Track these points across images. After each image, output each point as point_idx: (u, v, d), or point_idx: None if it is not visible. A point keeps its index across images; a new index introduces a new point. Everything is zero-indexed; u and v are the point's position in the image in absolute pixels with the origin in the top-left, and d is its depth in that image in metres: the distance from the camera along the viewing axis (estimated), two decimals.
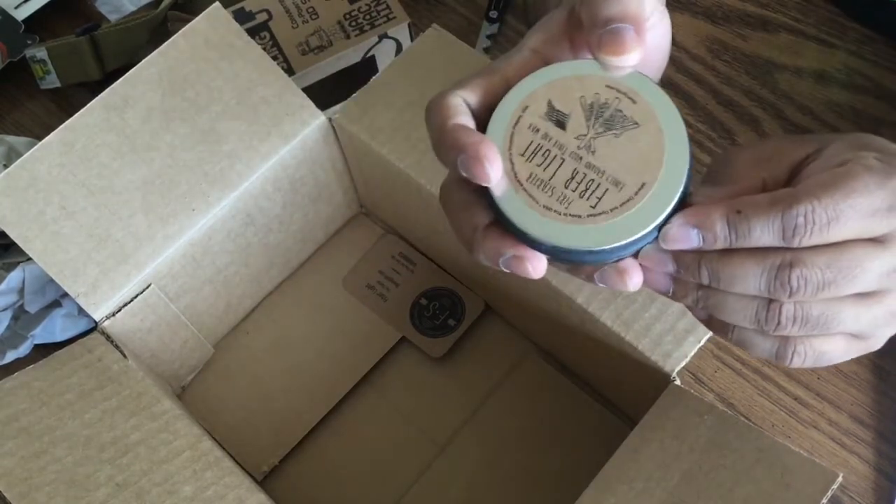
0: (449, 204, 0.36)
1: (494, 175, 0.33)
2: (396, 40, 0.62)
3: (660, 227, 0.32)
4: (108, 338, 0.47)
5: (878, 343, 0.35)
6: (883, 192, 0.31)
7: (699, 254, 0.32)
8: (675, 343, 0.44)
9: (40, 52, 0.65)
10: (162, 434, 0.42)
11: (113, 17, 0.69)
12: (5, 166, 0.53)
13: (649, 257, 0.33)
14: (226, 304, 0.55)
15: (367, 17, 0.61)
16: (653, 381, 0.45)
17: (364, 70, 0.62)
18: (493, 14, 0.67)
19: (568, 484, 0.46)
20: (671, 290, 0.34)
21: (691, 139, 0.34)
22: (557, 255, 0.33)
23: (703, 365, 0.56)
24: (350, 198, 0.59)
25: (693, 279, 0.33)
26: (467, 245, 0.35)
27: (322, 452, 0.54)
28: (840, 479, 0.37)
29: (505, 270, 0.34)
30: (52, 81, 0.66)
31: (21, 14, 0.68)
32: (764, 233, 0.31)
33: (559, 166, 0.33)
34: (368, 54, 0.62)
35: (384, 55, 0.62)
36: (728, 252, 0.32)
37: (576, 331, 0.48)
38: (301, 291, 0.59)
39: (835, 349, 0.34)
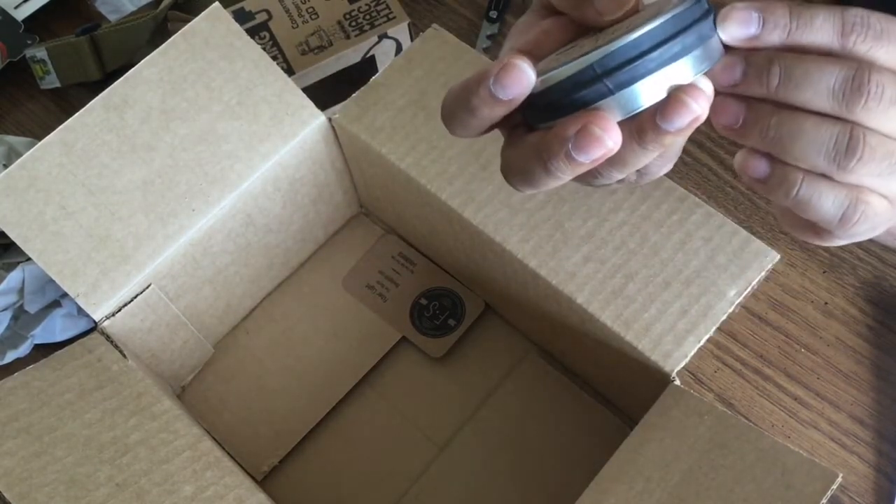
0: (512, 158, 0.35)
1: (530, 74, 0.31)
2: (396, 40, 0.62)
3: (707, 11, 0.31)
4: (107, 338, 0.47)
5: None
6: None
7: (772, 52, 0.31)
8: (675, 343, 0.44)
9: (40, 52, 0.65)
10: (162, 434, 0.42)
11: (113, 17, 0.69)
12: (5, 166, 0.53)
13: (719, 63, 0.32)
14: (226, 304, 0.55)
15: (367, 17, 0.61)
16: (653, 381, 0.45)
17: (364, 70, 0.62)
18: (493, 14, 0.68)
19: (568, 484, 0.47)
20: (741, 120, 0.32)
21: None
22: (616, 81, 0.30)
23: (703, 365, 0.56)
24: (350, 198, 0.59)
25: (763, 84, 0.32)
26: (544, 168, 0.33)
27: (322, 452, 0.54)
28: (840, 479, 0.37)
29: (582, 161, 0.31)
30: (52, 81, 0.66)
31: (21, 14, 0.68)
32: (825, 24, 0.30)
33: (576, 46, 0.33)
34: (368, 54, 0.62)
35: (384, 55, 0.62)
36: (799, 53, 0.31)
37: (576, 331, 0.48)
38: (301, 291, 0.59)
39: (884, 212, 0.33)
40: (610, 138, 0.31)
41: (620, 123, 0.31)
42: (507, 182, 0.36)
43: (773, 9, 0.31)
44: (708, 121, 0.32)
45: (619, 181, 0.36)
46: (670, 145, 0.32)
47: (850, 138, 0.31)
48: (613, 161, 0.33)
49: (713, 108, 0.32)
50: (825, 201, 0.33)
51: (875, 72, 0.31)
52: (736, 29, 0.31)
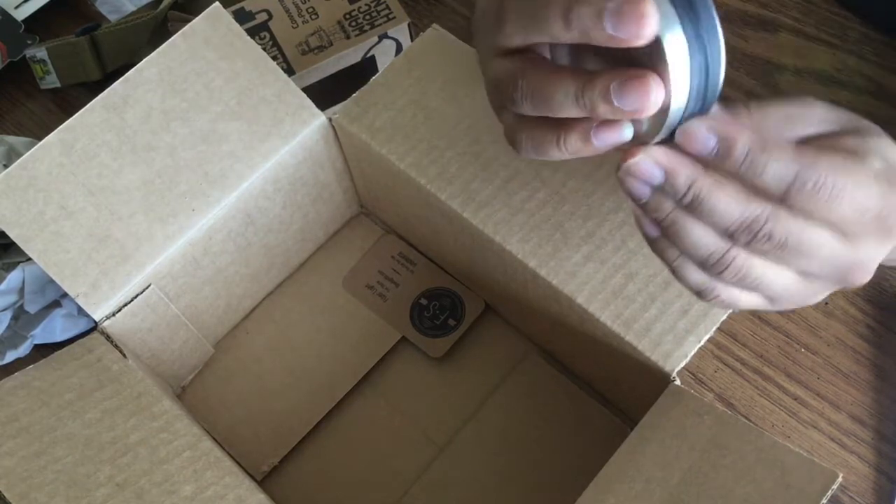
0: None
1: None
2: (396, 40, 0.62)
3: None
4: (108, 338, 0.47)
5: (782, 309, 0.37)
6: (878, 202, 0.32)
7: (694, 173, 0.32)
8: (675, 343, 0.44)
9: (40, 52, 0.65)
10: (162, 434, 0.42)
11: (113, 17, 0.69)
12: (5, 166, 0.53)
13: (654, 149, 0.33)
14: (226, 304, 0.55)
15: (367, 17, 0.61)
16: (653, 381, 0.45)
17: (364, 70, 0.62)
18: None
19: (568, 484, 0.46)
20: (646, 200, 0.34)
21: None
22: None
23: (703, 365, 0.56)
24: (350, 198, 0.59)
25: (675, 196, 0.33)
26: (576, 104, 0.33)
27: (322, 452, 0.54)
28: (840, 479, 0.37)
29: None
30: (52, 81, 0.66)
31: (21, 14, 0.68)
32: (777, 174, 0.31)
33: None
34: (368, 54, 0.62)
35: (384, 55, 0.62)
36: (720, 182, 0.32)
37: (576, 331, 0.48)
38: (301, 291, 0.59)
39: (749, 302, 0.36)
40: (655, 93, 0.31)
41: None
42: (513, 144, 0.36)
43: (734, 140, 0.31)
44: None
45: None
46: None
47: (723, 257, 0.33)
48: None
49: (629, 179, 0.33)
50: (690, 278, 0.35)
51: (773, 221, 0.32)
52: (691, 144, 0.32)
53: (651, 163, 0.33)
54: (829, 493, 0.37)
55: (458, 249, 0.53)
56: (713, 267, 0.34)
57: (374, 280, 0.58)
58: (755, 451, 0.39)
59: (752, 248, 0.33)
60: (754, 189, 0.32)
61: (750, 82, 0.64)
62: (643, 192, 0.34)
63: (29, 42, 0.67)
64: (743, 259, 0.33)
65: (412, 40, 0.62)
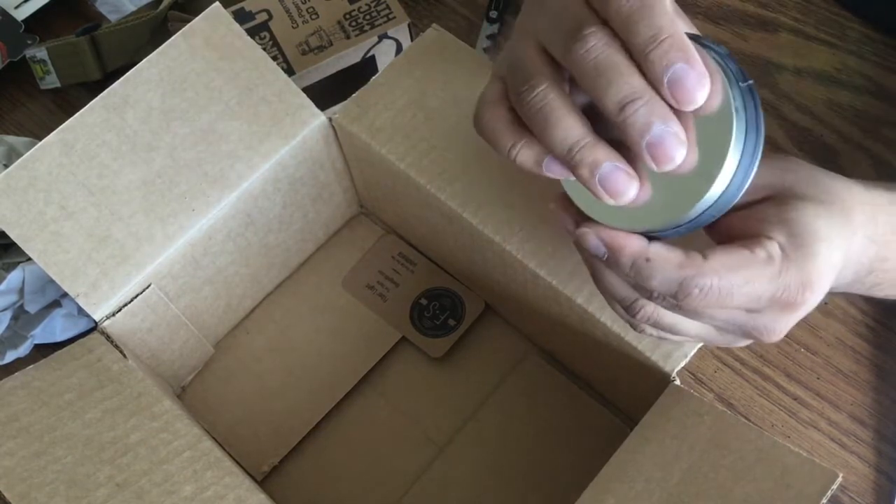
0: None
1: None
2: (396, 40, 0.62)
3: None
4: (108, 338, 0.47)
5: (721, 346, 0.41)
6: (770, 287, 0.34)
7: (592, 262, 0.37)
8: (675, 343, 0.44)
9: (40, 52, 0.65)
10: (162, 434, 0.42)
11: (113, 17, 0.69)
12: (5, 166, 0.53)
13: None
14: (226, 304, 0.55)
15: (367, 17, 0.61)
16: (653, 381, 0.45)
17: (364, 70, 0.62)
18: (493, 14, 0.68)
19: (568, 484, 0.46)
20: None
21: None
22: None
23: (703, 365, 0.56)
24: (350, 198, 0.59)
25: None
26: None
27: (322, 452, 0.54)
28: (840, 479, 0.37)
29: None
30: (52, 81, 0.66)
31: (21, 14, 0.68)
32: (661, 286, 0.34)
33: None
34: (368, 54, 0.62)
35: (384, 55, 0.62)
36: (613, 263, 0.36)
37: (576, 331, 0.48)
38: (301, 291, 0.59)
39: (679, 338, 0.39)
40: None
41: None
42: (475, 117, 0.38)
43: (620, 255, 0.35)
44: None
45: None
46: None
47: (633, 307, 0.37)
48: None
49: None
50: (619, 313, 0.39)
51: (662, 312, 0.36)
52: (586, 245, 0.36)
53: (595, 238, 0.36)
54: (829, 493, 0.37)
55: (458, 249, 0.53)
56: (627, 310, 0.37)
57: (374, 280, 0.58)
58: (755, 451, 0.39)
59: (658, 303, 0.36)
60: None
61: None
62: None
63: (29, 42, 0.67)
64: (652, 308, 0.36)
65: (412, 40, 0.62)
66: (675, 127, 0.32)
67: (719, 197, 0.33)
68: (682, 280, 0.34)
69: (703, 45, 0.34)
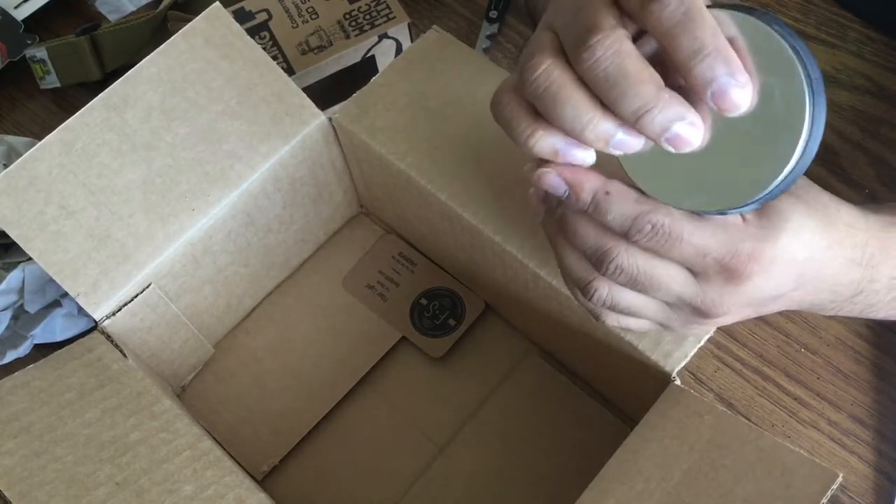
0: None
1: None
2: (396, 40, 0.62)
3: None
4: (108, 337, 0.47)
5: (679, 332, 0.41)
6: (719, 245, 0.35)
7: (574, 196, 0.36)
8: (675, 343, 0.44)
9: (40, 52, 0.65)
10: (162, 433, 0.42)
11: (113, 17, 0.69)
12: (5, 166, 0.53)
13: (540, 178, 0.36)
14: (226, 304, 0.55)
15: (367, 17, 0.61)
16: (653, 381, 0.45)
17: (364, 70, 0.62)
18: (493, 14, 0.68)
19: (568, 484, 0.46)
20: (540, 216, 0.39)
21: None
22: None
23: (703, 365, 0.56)
24: (350, 198, 0.59)
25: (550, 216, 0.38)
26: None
27: (322, 452, 0.54)
28: (840, 479, 0.37)
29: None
30: (52, 81, 0.66)
31: (21, 14, 0.68)
32: (616, 220, 0.35)
33: None
34: (368, 54, 0.62)
35: (384, 55, 0.62)
36: (580, 213, 0.36)
37: (576, 331, 0.48)
38: (301, 291, 0.59)
39: (636, 325, 0.40)
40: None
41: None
42: (494, 101, 0.37)
43: (581, 189, 0.35)
44: None
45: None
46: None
47: (589, 287, 0.38)
48: None
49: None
50: (576, 297, 0.40)
51: (621, 257, 0.36)
52: (546, 188, 0.36)
53: (556, 177, 0.36)
54: (829, 493, 0.37)
55: (458, 249, 0.53)
56: (583, 291, 0.38)
57: (374, 280, 0.58)
58: (755, 451, 0.39)
59: (611, 278, 0.37)
60: (605, 228, 0.36)
61: None
62: (539, 196, 0.39)
63: (29, 42, 0.67)
64: (606, 288, 0.37)
65: (412, 40, 0.62)
66: (694, 119, 0.32)
67: (792, 169, 0.33)
68: (638, 214, 0.35)
69: (749, 12, 0.33)
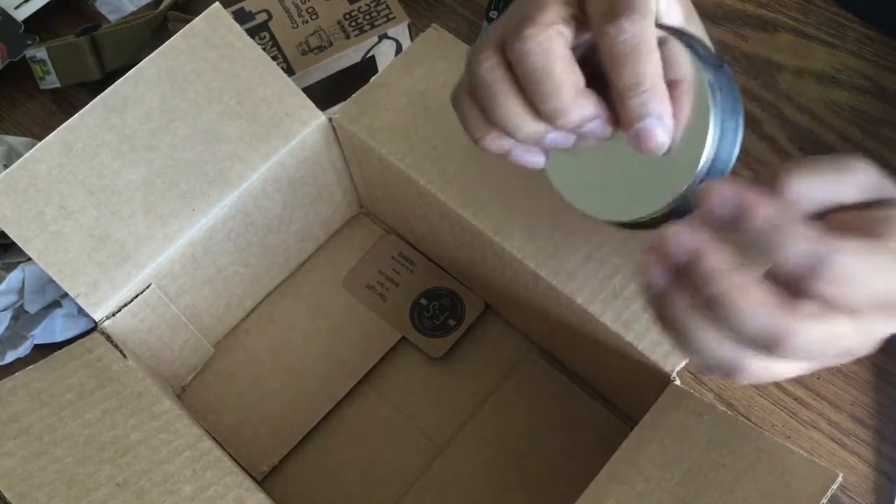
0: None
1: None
2: (396, 40, 0.62)
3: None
4: (108, 338, 0.47)
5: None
6: (887, 287, 0.30)
7: (713, 268, 0.29)
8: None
9: (40, 52, 0.65)
10: (162, 434, 0.42)
11: (113, 17, 0.69)
12: (5, 166, 0.53)
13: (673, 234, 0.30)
14: (226, 304, 0.55)
15: (367, 17, 0.61)
16: (653, 381, 0.45)
17: (364, 70, 0.62)
18: (493, 14, 0.67)
19: (568, 484, 0.47)
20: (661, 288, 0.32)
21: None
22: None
23: None
24: (350, 198, 0.59)
25: (690, 289, 0.30)
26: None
27: (322, 452, 0.54)
28: (840, 479, 0.37)
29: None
30: (52, 81, 0.66)
31: (21, 14, 0.68)
32: (795, 254, 0.28)
33: None
34: (368, 54, 0.62)
35: (384, 55, 0.62)
36: (743, 285, 0.29)
37: (576, 331, 0.48)
38: (301, 291, 0.59)
39: (787, 371, 0.33)
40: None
41: None
42: (453, 100, 0.38)
43: (757, 208, 0.29)
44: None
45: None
46: None
47: (735, 371, 0.31)
48: None
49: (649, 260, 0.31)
50: (715, 367, 0.33)
51: (806, 334, 0.29)
52: (713, 205, 0.30)
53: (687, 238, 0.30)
54: (829, 493, 0.37)
55: (458, 249, 0.53)
56: (728, 373, 0.32)
57: (374, 280, 0.58)
58: (755, 451, 0.39)
59: (781, 357, 0.30)
60: (775, 302, 0.29)
61: (750, 82, 0.64)
62: (657, 275, 0.32)
63: (29, 42, 0.67)
64: (760, 365, 0.31)
65: (412, 40, 0.62)
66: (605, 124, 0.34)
67: (707, 171, 0.34)
68: (825, 255, 0.28)
69: (677, 36, 0.34)
